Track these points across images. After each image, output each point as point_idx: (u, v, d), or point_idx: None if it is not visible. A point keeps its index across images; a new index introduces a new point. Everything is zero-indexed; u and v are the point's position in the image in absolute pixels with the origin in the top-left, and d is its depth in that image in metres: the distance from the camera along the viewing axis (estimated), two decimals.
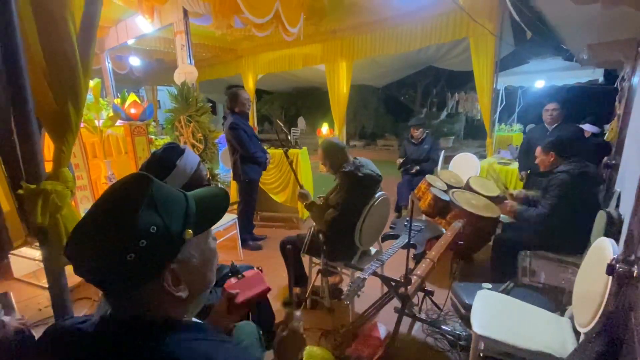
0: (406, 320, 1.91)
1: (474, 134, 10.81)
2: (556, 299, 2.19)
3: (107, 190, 0.57)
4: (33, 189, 1.03)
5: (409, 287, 1.33)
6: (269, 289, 0.96)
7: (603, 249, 1.30)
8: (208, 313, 0.93)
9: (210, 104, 3.58)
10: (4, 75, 0.96)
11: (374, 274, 1.55)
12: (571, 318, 1.50)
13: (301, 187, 2.16)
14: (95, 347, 0.55)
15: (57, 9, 1.01)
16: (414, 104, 11.07)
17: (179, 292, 0.57)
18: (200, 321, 0.76)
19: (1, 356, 1.21)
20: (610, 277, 1.14)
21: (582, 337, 1.27)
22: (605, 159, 3.38)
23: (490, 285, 2.22)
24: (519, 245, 2.40)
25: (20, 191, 1.00)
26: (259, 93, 8.73)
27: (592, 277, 1.32)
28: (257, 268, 1.01)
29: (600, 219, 1.71)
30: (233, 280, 0.95)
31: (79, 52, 1.02)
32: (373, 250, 2.23)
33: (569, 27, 3.31)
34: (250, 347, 1.01)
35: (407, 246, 1.51)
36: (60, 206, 1.09)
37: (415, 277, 1.41)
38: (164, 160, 1.24)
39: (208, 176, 1.38)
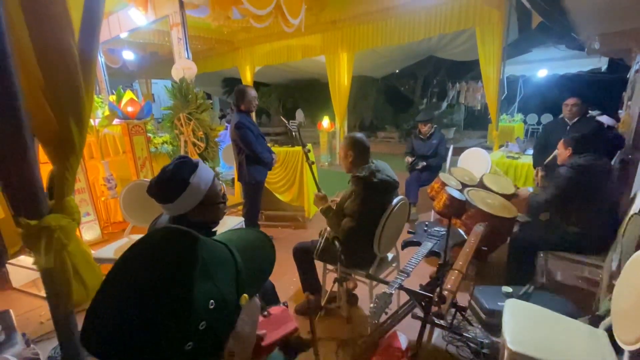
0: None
1: (474, 124, 10.71)
2: (582, 301, 2.14)
3: (136, 255, 0.43)
4: (34, 225, 0.87)
5: (442, 306, 1.24)
6: (296, 329, 0.87)
7: None
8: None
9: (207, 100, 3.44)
10: None
11: (400, 287, 1.46)
12: (607, 330, 1.44)
13: (319, 189, 2.07)
14: None
15: (54, 6, 0.86)
16: (414, 95, 10.89)
17: None
18: None
19: None
20: None
21: (626, 355, 1.20)
22: (618, 153, 3.29)
23: (510, 289, 2.17)
24: (535, 246, 2.35)
25: (19, 229, 0.86)
26: (256, 85, 8.52)
27: (635, 293, 1.25)
28: (283, 304, 0.92)
29: (634, 225, 1.63)
30: (260, 318, 0.85)
31: (79, 59, 0.87)
32: (390, 255, 2.15)
33: (583, 13, 3.19)
34: None
35: (443, 266, 1.42)
36: (67, 243, 0.94)
37: (447, 292, 1.32)
38: (176, 178, 1.11)
39: (223, 191, 1.26)
